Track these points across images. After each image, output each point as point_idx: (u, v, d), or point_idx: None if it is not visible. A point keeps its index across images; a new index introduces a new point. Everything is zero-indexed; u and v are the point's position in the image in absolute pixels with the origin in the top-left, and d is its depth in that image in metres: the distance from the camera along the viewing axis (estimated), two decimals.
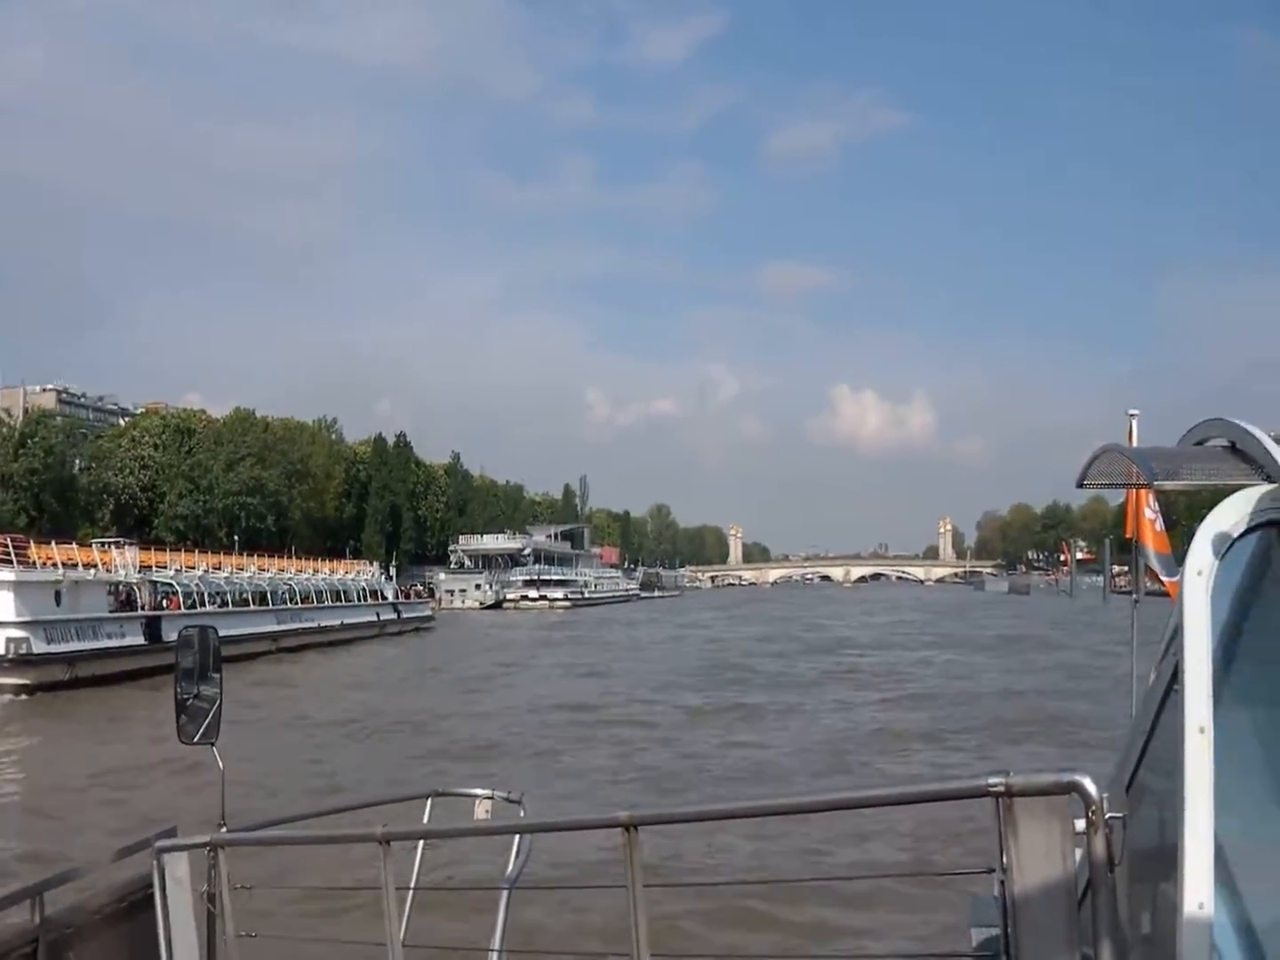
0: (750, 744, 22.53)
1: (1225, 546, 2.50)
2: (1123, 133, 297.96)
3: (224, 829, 4.61)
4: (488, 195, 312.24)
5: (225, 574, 56.07)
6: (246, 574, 58.10)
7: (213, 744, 4.82)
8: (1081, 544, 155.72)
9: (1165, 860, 2.45)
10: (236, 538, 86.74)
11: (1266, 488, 2.61)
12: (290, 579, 62.06)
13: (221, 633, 5.38)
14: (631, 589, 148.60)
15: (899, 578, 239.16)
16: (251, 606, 53.78)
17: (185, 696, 4.88)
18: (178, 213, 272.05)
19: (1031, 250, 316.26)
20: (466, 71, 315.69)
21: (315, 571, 68.29)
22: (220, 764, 4.67)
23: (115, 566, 44.93)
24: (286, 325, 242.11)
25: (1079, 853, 2.19)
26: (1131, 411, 9.88)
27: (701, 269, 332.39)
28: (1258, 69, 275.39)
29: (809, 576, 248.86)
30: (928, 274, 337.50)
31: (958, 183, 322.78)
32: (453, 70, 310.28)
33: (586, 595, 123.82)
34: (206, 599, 49.74)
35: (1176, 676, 2.49)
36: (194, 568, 53.81)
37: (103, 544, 49.34)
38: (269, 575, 60.11)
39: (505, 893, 4.34)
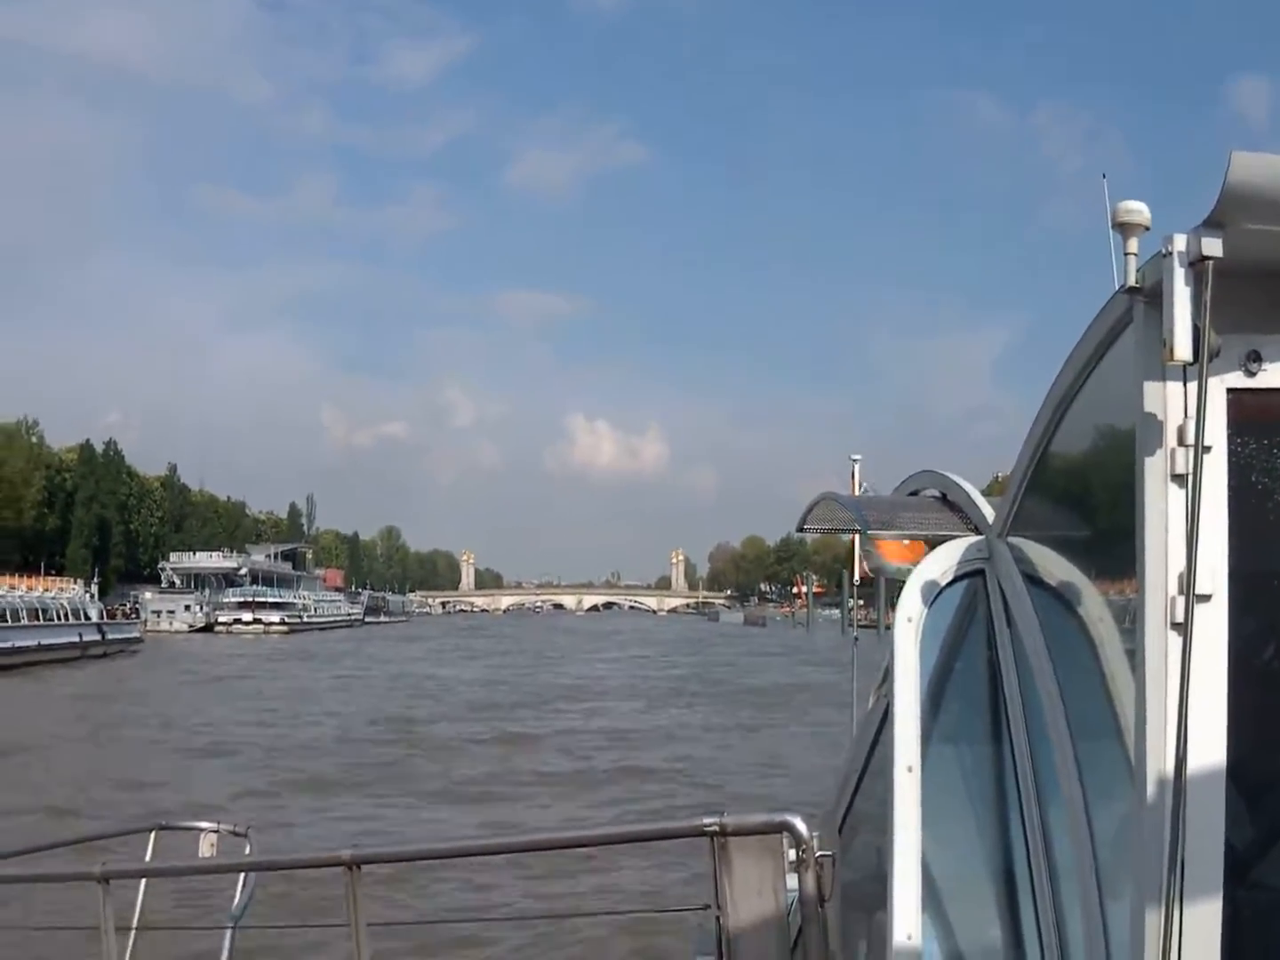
0: None
1: (934, 594, 2.63)
2: (836, 181, 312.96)
3: None
4: (225, 208, 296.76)
5: None
6: None
7: None
8: (815, 577, 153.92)
9: (876, 894, 2.56)
10: None
11: (973, 538, 2.77)
12: None
13: None
14: (355, 613, 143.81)
15: (631, 607, 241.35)
16: None
17: None
18: None
19: (764, 288, 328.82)
20: (205, 80, 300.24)
21: (11, 588, 62.75)
22: None
23: None
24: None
25: (795, 888, 2.31)
26: (854, 456, 9.82)
27: (441, 292, 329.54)
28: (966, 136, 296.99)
29: (541, 605, 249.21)
30: (665, 306, 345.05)
31: (694, 215, 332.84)
32: (191, 78, 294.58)
33: (305, 619, 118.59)
34: None
35: (887, 718, 2.60)
36: None
37: None
38: None
39: (229, 932, 4.28)
